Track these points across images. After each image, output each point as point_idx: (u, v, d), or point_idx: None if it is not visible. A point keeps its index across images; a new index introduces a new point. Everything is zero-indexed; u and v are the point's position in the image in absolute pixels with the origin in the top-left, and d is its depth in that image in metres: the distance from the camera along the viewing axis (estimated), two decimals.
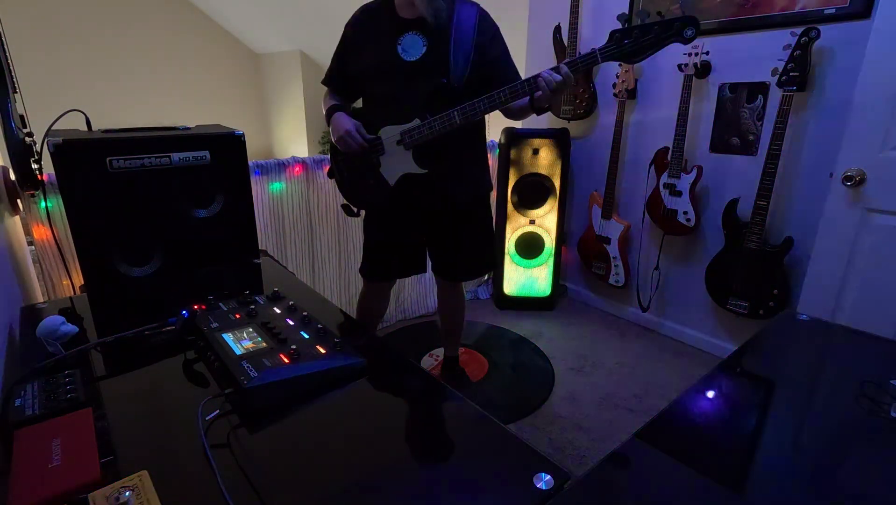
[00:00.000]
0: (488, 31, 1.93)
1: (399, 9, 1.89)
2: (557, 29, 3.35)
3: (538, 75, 1.70)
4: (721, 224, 2.76)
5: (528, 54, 3.77)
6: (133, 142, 1.54)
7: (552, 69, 1.69)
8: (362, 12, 2.01)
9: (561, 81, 1.68)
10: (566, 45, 3.31)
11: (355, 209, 2.15)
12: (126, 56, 6.55)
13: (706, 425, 1.02)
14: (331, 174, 2.19)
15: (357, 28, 2.00)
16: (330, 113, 2.00)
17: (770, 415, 1.07)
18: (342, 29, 2.07)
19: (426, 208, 2.08)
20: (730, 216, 2.71)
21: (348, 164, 2.04)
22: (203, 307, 1.31)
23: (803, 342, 1.40)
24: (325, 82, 2.16)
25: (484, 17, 1.94)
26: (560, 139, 3.36)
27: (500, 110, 1.90)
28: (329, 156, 2.16)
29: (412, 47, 1.88)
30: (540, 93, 1.72)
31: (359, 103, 2.13)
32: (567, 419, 2.51)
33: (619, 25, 3.11)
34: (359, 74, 2.00)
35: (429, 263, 2.35)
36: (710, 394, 1.13)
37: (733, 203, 2.70)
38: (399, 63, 1.88)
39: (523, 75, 1.82)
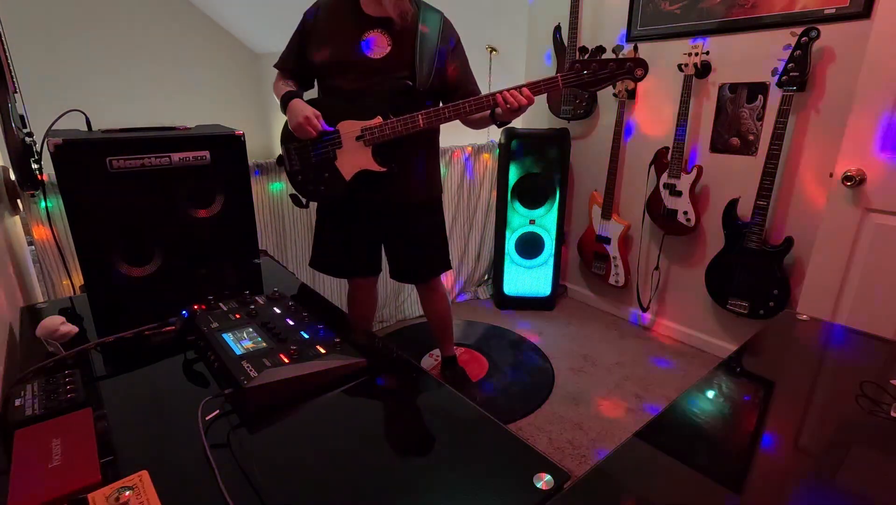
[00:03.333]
0: (451, 39, 1.98)
1: (364, 5, 1.90)
2: (557, 29, 3.35)
3: (502, 92, 1.77)
4: (721, 224, 2.76)
5: (527, 54, 3.77)
6: (133, 142, 1.54)
7: (517, 87, 1.77)
8: (325, 2, 1.99)
9: (525, 104, 1.77)
10: (566, 45, 3.31)
11: (304, 200, 2.10)
12: (126, 56, 6.54)
13: (706, 425, 1.02)
14: (280, 162, 2.13)
15: (318, 16, 1.98)
16: (286, 98, 1.96)
17: (770, 415, 1.07)
18: None
19: (381, 206, 2.09)
20: (730, 216, 2.72)
21: (301, 154, 2.01)
22: (203, 307, 1.31)
23: (803, 342, 1.40)
24: (278, 66, 2.12)
25: (448, 25, 1.98)
26: (560, 139, 3.36)
27: (460, 120, 1.95)
28: (280, 141, 2.10)
29: (377, 45, 1.89)
30: (500, 109, 1.81)
31: (313, 93, 2.10)
32: (567, 419, 2.51)
33: (619, 27, 3.12)
34: (318, 65, 1.98)
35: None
36: (710, 394, 1.13)
37: (733, 203, 2.70)
38: (362, 59, 1.89)
39: (524, 76, 1.83)
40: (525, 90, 1.76)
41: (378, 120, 1.85)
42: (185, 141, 1.63)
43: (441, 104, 1.89)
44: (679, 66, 2.81)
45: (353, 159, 1.92)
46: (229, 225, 1.77)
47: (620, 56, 1.78)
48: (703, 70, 2.78)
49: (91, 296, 1.54)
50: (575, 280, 3.93)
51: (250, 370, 0.99)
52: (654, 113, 3.11)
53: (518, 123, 3.68)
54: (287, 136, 2.03)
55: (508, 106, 1.77)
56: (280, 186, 2.77)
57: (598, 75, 1.77)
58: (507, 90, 1.77)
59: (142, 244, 1.63)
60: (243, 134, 1.74)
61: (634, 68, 1.75)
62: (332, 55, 1.93)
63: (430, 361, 2.99)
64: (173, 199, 1.64)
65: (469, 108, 1.81)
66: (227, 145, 1.71)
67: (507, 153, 3.41)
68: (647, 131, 3.17)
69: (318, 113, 1.90)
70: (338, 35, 1.92)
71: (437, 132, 2.14)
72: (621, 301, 3.61)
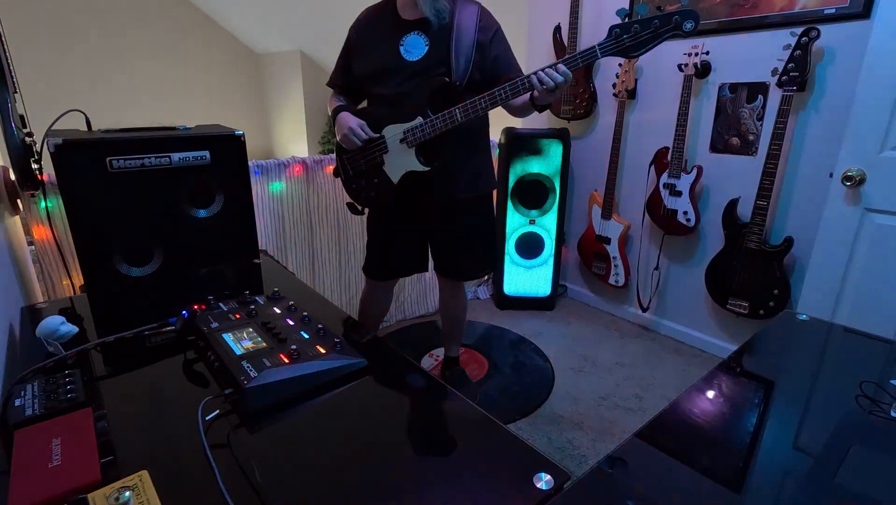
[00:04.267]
0: (489, 30, 1.95)
1: (401, 10, 1.93)
2: (557, 29, 3.35)
3: (537, 72, 1.70)
4: (721, 224, 2.77)
5: (527, 54, 3.77)
6: (133, 142, 1.53)
7: (551, 66, 1.69)
8: (366, 15, 2.05)
9: (560, 80, 1.68)
10: (566, 45, 3.31)
11: (360, 207, 2.16)
12: (126, 56, 6.55)
13: (706, 425, 1.02)
14: (336, 173, 2.21)
15: (360, 30, 2.04)
16: (335, 113, 2.03)
17: (770, 415, 1.07)
18: (342, 28, 2.10)
19: (428, 205, 2.10)
20: (730, 216, 2.72)
21: (353, 163, 2.07)
22: (203, 307, 1.31)
23: (803, 342, 1.40)
24: (330, 84, 2.19)
25: (485, 15, 1.96)
26: (560, 139, 3.36)
27: (504, 107, 1.92)
28: (335, 155, 2.19)
29: (414, 47, 1.91)
30: (537, 92, 1.73)
31: (364, 104, 2.15)
32: (567, 419, 2.51)
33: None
34: (362, 76, 2.03)
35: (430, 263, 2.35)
36: (710, 394, 1.13)
37: (733, 203, 2.70)
38: (401, 63, 1.91)
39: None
40: (560, 66, 1.68)
41: (418, 120, 1.86)
42: (185, 141, 1.63)
43: None
44: (679, 66, 2.81)
45: (399, 162, 1.95)
46: (229, 225, 1.77)
47: (665, 10, 1.55)
48: (703, 70, 2.78)
49: (91, 296, 1.54)
50: (575, 280, 3.93)
51: (250, 370, 0.99)
52: (654, 113, 3.11)
53: (518, 123, 3.70)
54: (340, 148, 2.10)
55: (544, 86, 1.69)
56: (280, 186, 2.77)
57: (640, 37, 1.59)
58: (542, 69, 1.69)
59: (142, 244, 1.63)
60: (243, 134, 1.74)
61: (682, 21, 1.53)
62: (374, 65, 1.97)
63: (430, 361, 2.99)
64: (173, 199, 1.64)
65: (504, 94, 1.75)
66: (227, 145, 1.71)
67: (507, 153, 3.41)
68: (647, 131, 3.17)
69: (363, 122, 1.95)
70: (377, 44, 1.97)
71: (484, 126, 2.12)
72: (621, 301, 3.61)
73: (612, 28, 1.62)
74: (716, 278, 2.86)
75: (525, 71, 1.88)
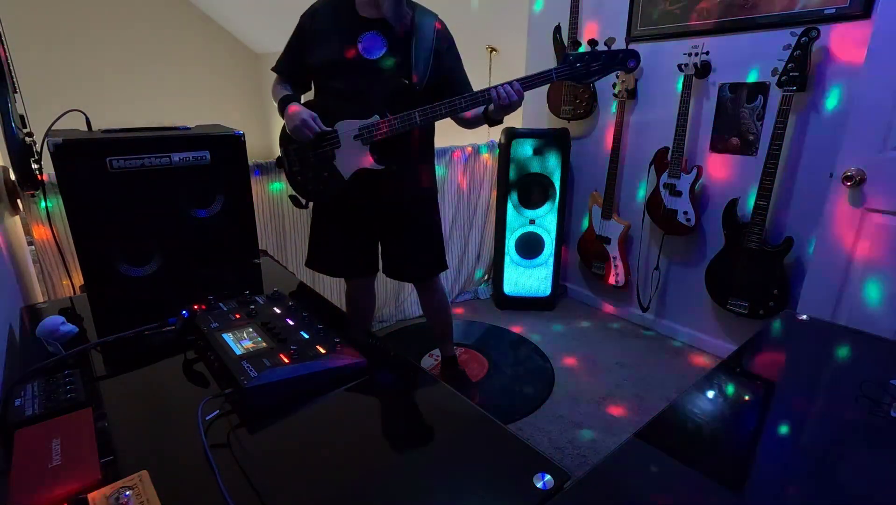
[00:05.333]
0: (446, 41, 2.00)
1: (359, 7, 1.92)
2: (557, 29, 3.35)
3: (496, 87, 1.77)
4: (721, 224, 2.76)
5: (528, 53, 3.77)
6: (133, 142, 1.54)
7: (509, 83, 1.77)
8: (322, 5, 2.01)
9: (515, 99, 1.77)
10: (566, 45, 3.31)
11: (304, 201, 2.14)
12: (126, 56, 6.55)
13: (706, 425, 1.02)
14: (279, 163, 2.19)
15: (316, 19, 2.00)
16: (283, 102, 1.99)
17: (770, 415, 1.07)
18: None
19: (378, 205, 2.10)
20: (730, 216, 2.72)
21: (300, 156, 2.05)
22: (203, 307, 1.31)
23: (803, 342, 1.40)
24: (276, 70, 2.13)
25: (443, 28, 2.01)
26: (560, 139, 3.36)
27: (454, 118, 1.97)
28: (279, 143, 2.16)
29: (373, 46, 1.91)
30: (493, 105, 1.81)
31: (309, 95, 2.12)
32: (567, 419, 2.51)
33: (618, 27, 3.12)
34: (315, 67, 1.99)
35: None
36: (710, 394, 1.13)
37: (733, 203, 2.70)
38: (360, 60, 1.90)
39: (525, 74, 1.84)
40: (516, 84, 1.77)
41: (375, 118, 1.86)
42: (185, 141, 1.63)
43: None
44: (679, 66, 2.80)
45: (352, 158, 1.93)
46: (229, 225, 1.77)
47: (613, 49, 1.79)
48: (703, 70, 2.78)
49: (91, 296, 1.55)
50: (575, 280, 3.93)
51: (250, 370, 0.99)
52: (654, 113, 3.11)
53: (518, 123, 3.70)
54: (286, 138, 2.07)
55: (500, 102, 1.77)
56: (280, 186, 2.77)
57: (591, 67, 1.77)
58: (501, 85, 1.77)
59: (142, 244, 1.63)
60: (243, 134, 1.74)
61: (626, 59, 1.76)
62: (328, 56, 1.94)
63: (430, 361, 2.99)
64: (173, 199, 1.64)
65: (465, 103, 1.81)
66: (227, 145, 1.71)
67: (507, 153, 3.41)
68: (647, 131, 3.17)
69: (315, 115, 1.92)
70: (334, 37, 1.94)
71: (432, 132, 2.15)
72: (621, 301, 3.61)
73: (566, 55, 1.79)
74: (716, 278, 2.85)
75: (525, 73, 1.89)
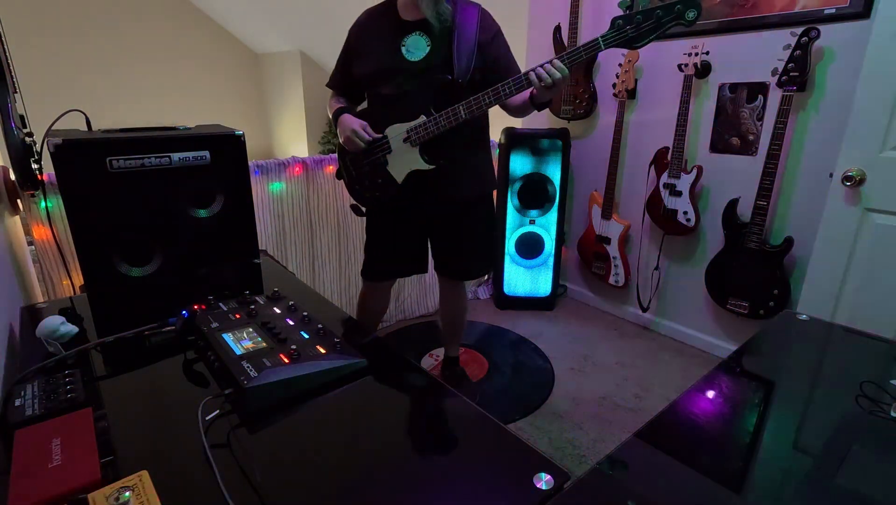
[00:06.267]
0: (490, 31, 1.96)
1: (402, 11, 1.93)
2: (557, 29, 3.35)
3: (535, 69, 1.71)
4: (721, 224, 2.77)
5: (527, 53, 3.77)
6: (133, 142, 1.53)
7: (549, 61, 1.70)
8: (366, 16, 2.05)
9: (558, 77, 1.69)
10: (566, 44, 3.31)
11: (364, 209, 2.18)
12: (126, 56, 6.55)
13: (706, 426, 1.02)
14: (339, 175, 2.21)
15: (360, 32, 2.04)
16: (336, 115, 2.03)
17: (770, 415, 1.07)
18: (342, 28, 2.10)
19: (432, 204, 2.10)
20: (730, 216, 2.72)
21: (356, 164, 2.07)
22: (203, 307, 1.31)
23: (803, 342, 1.40)
24: (330, 85, 2.20)
25: (485, 17, 1.97)
26: (560, 139, 3.36)
27: (502, 107, 1.93)
28: (337, 156, 2.20)
29: (416, 48, 1.91)
30: (536, 88, 1.74)
31: (363, 105, 2.15)
32: (567, 419, 2.51)
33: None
34: (363, 77, 2.03)
35: (430, 263, 2.36)
36: (710, 394, 1.13)
37: (733, 203, 2.71)
38: (403, 63, 1.91)
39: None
40: (556, 62, 1.69)
41: (421, 118, 1.87)
42: (185, 141, 1.63)
43: None
44: (679, 66, 2.81)
45: (403, 161, 1.95)
46: (229, 225, 1.77)
47: (668, 0, 1.55)
48: (703, 70, 2.78)
49: (91, 296, 1.54)
50: (575, 280, 3.93)
51: (250, 370, 0.98)
52: (654, 113, 3.11)
53: (518, 123, 3.70)
54: (342, 150, 2.11)
55: (543, 83, 1.70)
56: (280, 186, 2.77)
57: (642, 28, 1.59)
58: (542, 65, 1.70)
59: (142, 244, 1.63)
60: (243, 134, 1.74)
61: (685, 10, 1.53)
62: (374, 66, 1.97)
63: (431, 361, 2.99)
64: (173, 198, 1.64)
65: (509, 90, 1.76)
66: (227, 145, 1.71)
67: (506, 153, 3.41)
68: (647, 131, 3.18)
69: (365, 123, 1.95)
70: (378, 45, 1.97)
71: (485, 125, 2.13)
72: (621, 301, 3.61)
73: (614, 19, 1.61)
74: (716, 278, 2.86)
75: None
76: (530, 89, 1.79)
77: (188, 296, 1.36)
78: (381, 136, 1.95)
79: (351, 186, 2.16)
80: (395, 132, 1.92)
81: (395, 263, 2.29)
